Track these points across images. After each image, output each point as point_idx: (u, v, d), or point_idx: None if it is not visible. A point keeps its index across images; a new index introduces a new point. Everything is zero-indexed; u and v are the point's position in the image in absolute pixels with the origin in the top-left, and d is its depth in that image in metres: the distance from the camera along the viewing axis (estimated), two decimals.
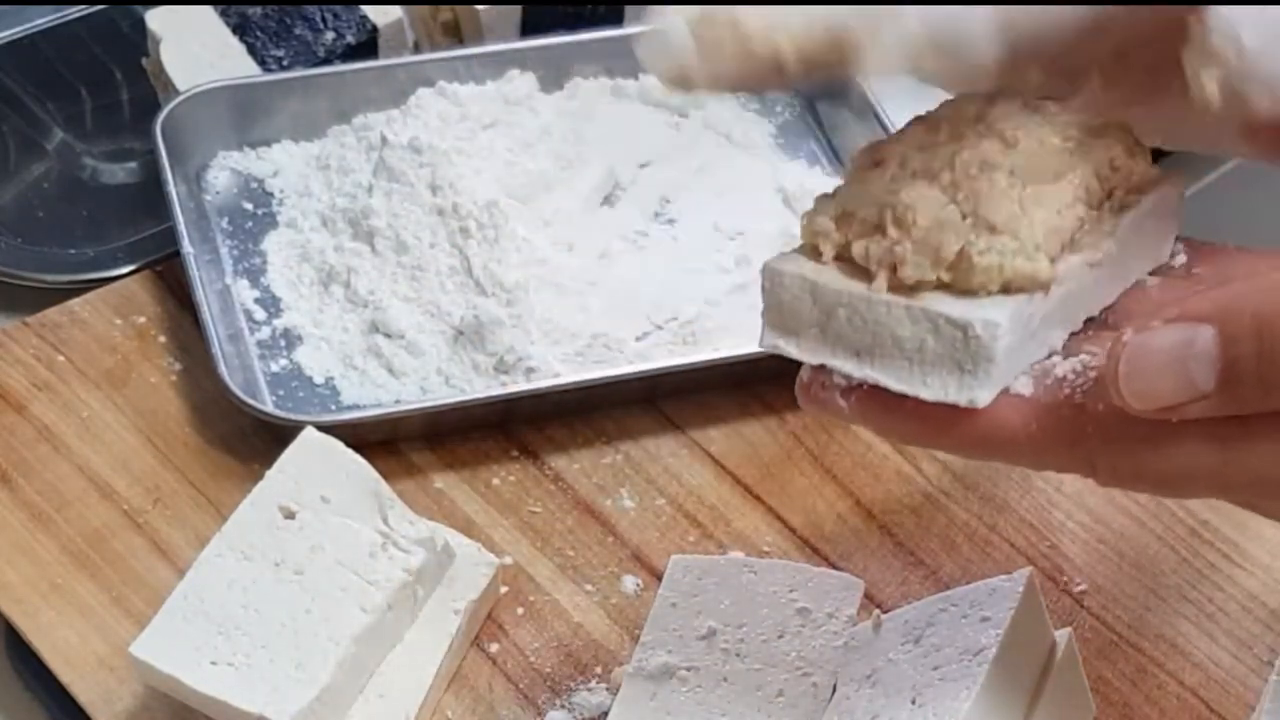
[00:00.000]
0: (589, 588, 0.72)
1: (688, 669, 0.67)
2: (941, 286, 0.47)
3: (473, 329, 0.79)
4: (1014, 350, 0.47)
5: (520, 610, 0.71)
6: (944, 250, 0.47)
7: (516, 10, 0.93)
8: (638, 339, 0.81)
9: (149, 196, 0.85)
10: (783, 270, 0.49)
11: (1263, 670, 0.69)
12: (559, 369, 0.78)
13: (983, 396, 0.47)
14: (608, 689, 0.68)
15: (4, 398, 0.78)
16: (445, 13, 0.93)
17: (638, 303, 0.82)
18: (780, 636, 0.68)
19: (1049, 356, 0.50)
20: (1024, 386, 0.48)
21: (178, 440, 0.77)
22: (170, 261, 0.82)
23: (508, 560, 0.73)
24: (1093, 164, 0.50)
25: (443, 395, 0.77)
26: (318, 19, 0.91)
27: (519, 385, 0.77)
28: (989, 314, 0.47)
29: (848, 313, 0.48)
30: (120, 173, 0.91)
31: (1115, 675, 0.70)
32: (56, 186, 0.90)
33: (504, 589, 0.72)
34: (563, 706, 0.68)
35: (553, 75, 0.91)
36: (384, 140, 0.83)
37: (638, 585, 0.72)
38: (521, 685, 0.69)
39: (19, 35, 0.94)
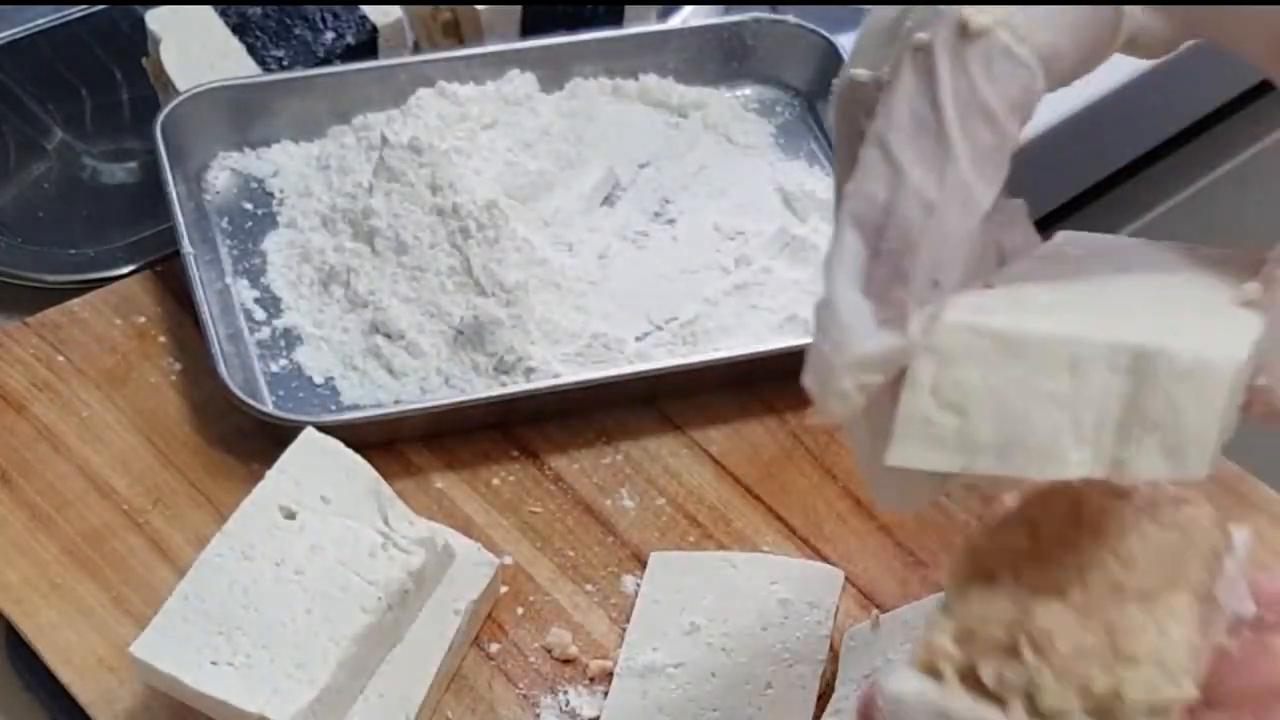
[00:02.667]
0: (589, 588, 0.72)
1: (675, 665, 0.67)
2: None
3: (473, 329, 0.79)
4: None
5: (520, 610, 0.71)
6: (1094, 685, 0.42)
7: (516, 10, 0.93)
8: (638, 339, 0.81)
9: (149, 196, 0.85)
10: (906, 694, 0.44)
11: None
12: (559, 369, 0.78)
13: None
14: (605, 690, 0.68)
15: (4, 398, 0.78)
16: (445, 13, 0.93)
17: (638, 303, 0.82)
18: (764, 629, 0.68)
19: None
20: None
21: (178, 440, 0.77)
22: (170, 261, 0.82)
23: (508, 560, 0.73)
24: (1199, 555, 0.46)
25: (443, 395, 0.77)
26: (318, 19, 0.91)
27: (519, 385, 0.77)
28: None
29: None
30: (120, 173, 0.91)
31: None
32: (56, 186, 0.90)
33: (504, 589, 0.72)
34: (563, 706, 0.68)
35: (553, 75, 0.91)
36: (384, 140, 0.83)
37: (638, 585, 0.72)
38: (521, 685, 0.69)
39: (19, 35, 0.94)
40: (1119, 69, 1.08)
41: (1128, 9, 0.45)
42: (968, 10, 0.42)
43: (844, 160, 0.45)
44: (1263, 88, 1.17)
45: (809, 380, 0.43)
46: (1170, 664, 0.43)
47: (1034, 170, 1.10)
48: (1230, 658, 0.47)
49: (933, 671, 0.44)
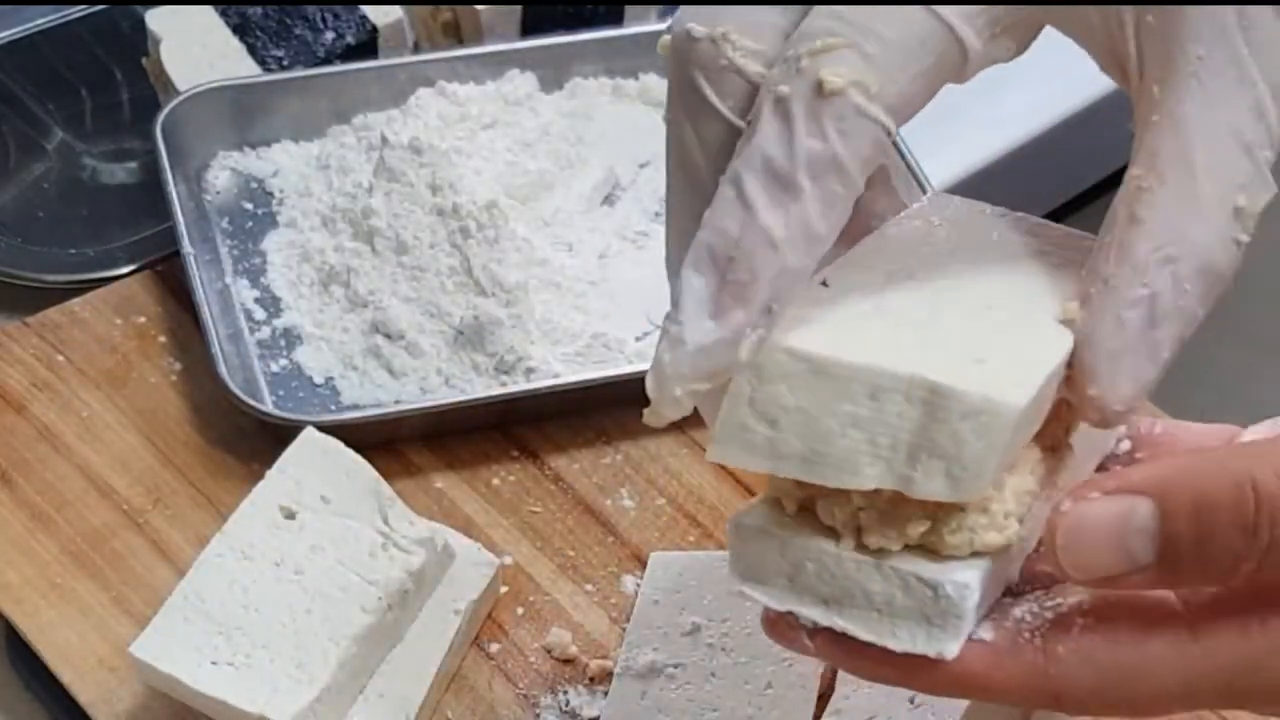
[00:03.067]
0: (589, 588, 0.72)
1: (675, 666, 0.67)
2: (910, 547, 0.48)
3: (473, 329, 0.79)
4: (981, 604, 0.48)
5: (520, 610, 0.71)
6: (910, 529, 0.47)
7: (516, 10, 0.93)
8: (638, 339, 0.81)
9: (149, 196, 0.85)
10: (748, 524, 0.49)
11: None
12: (559, 369, 0.78)
13: (951, 649, 0.47)
14: (605, 690, 0.68)
15: (4, 398, 0.78)
16: (445, 13, 0.93)
17: (638, 303, 0.82)
18: None
19: (1005, 595, 0.50)
20: (985, 631, 0.48)
21: (178, 440, 0.77)
22: (170, 261, 0.82)
23: (508, 560, 0.73)
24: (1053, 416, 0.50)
25: (443, 395, 0.77)
26: (318, 19, 0.91)
27: (519, 385, 0.77)
28: (959, 575, 0.47)
29: (815, 567, 0.48)
30: (120, 173, 0.91)
31: None
32: (56, 186, 0.90)
33: (504, 589, 0.72)
34: (563, 706, 0.68)
35: (553, 75, 0.91)
36: (384, 140, 0.83)
37: (638, 585, 0.71)
38: (521, 685, 0.69)
39: (19, 35, 0.94)
40: (1094, 81, 1.08)
41: (970, 44, 0.49)
42: (824, 71, 0.46)
43: (677, 110, 0.49)
44: None
45: (649, 384, 0.49)
46: (997, 511, 0.47)
47: (1035, 170, 1.10)
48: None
49: (776, 505, 0.49)
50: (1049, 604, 0.48)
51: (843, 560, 0.48)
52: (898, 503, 0.47)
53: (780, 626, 0.50)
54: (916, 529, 0.47)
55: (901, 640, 0.47)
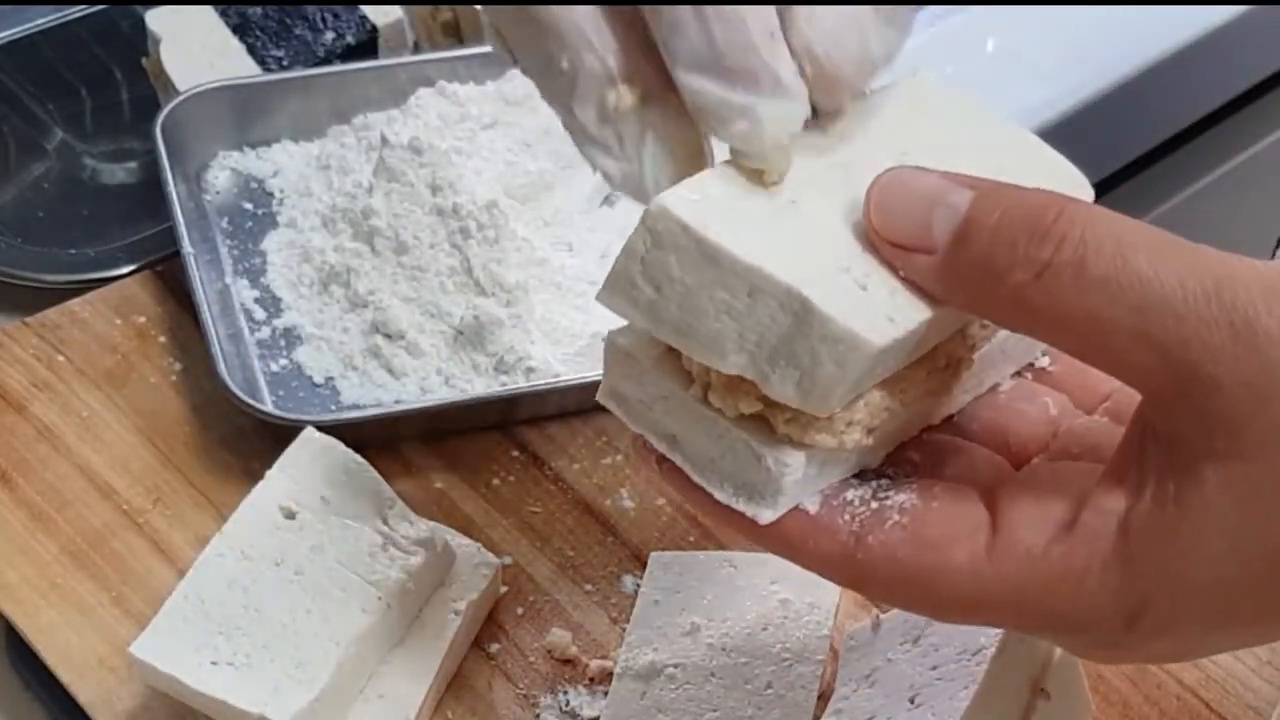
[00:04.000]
0: (589, 588, 0.72)
1: (675, 666, 0.67)
2: None
3: (473, 329, 0.79)
4: (806, 482, 0.49)
5: (520, 610, 0.71)
6: (744, 405, 0.49)
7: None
8: None
9: (149, 196, 0.85)
10: (619, 345, 0.51)
11: (1263, 670, 0.69)
12: (559, 369, 0.78)
13: (766, 515, 0.49)
14: (605, 690, 0.68)
15: (4, 398, 0.78)
16: (445, 13, 0.93)
17: None
18: (764, 629, 0.68)
19: (854, 476, 0.51)
20: (812, 504, 0.50)
21: (178, 440, 0.77)
22: (170, 261, 0.82)
23: (508, 560, 0.73)
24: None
25: (443, 395, 0.77)
26: (318, 19, 0.91)
27: (519, 385, 0.77)
28: (784, 454, 0.49)
29: (666, 404, 0.50)
30: (120, 173, 0.91)
31: (1114, 674, 0.70)
32: (56, 186, 0.90)
33: (504, 589, 0.72)
34: (563, 707, 0.68)
35: None
36: (384, 140, 0.83)
37: (637, 585, 0.71)
38: (521, 685, 0.69)
39: (19, 35, 0.94)
40: (1109, 70, 1.08)
41: None
42: None
43: None
44: (1258, 90, 1.17)
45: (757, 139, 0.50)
46: (837, 419, 0.49)
47: None
48: (996, 397, 0.55)
49: (646, 336, 0.50)
50: (880, 494, 0.50)
51: (690, 407, 0.50)
52: (746, 380, 0.48)
53: (639, 444, 0.52)
54: (750, 407, 0.48)
55: (725, 494, 0.50)
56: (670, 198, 0.48)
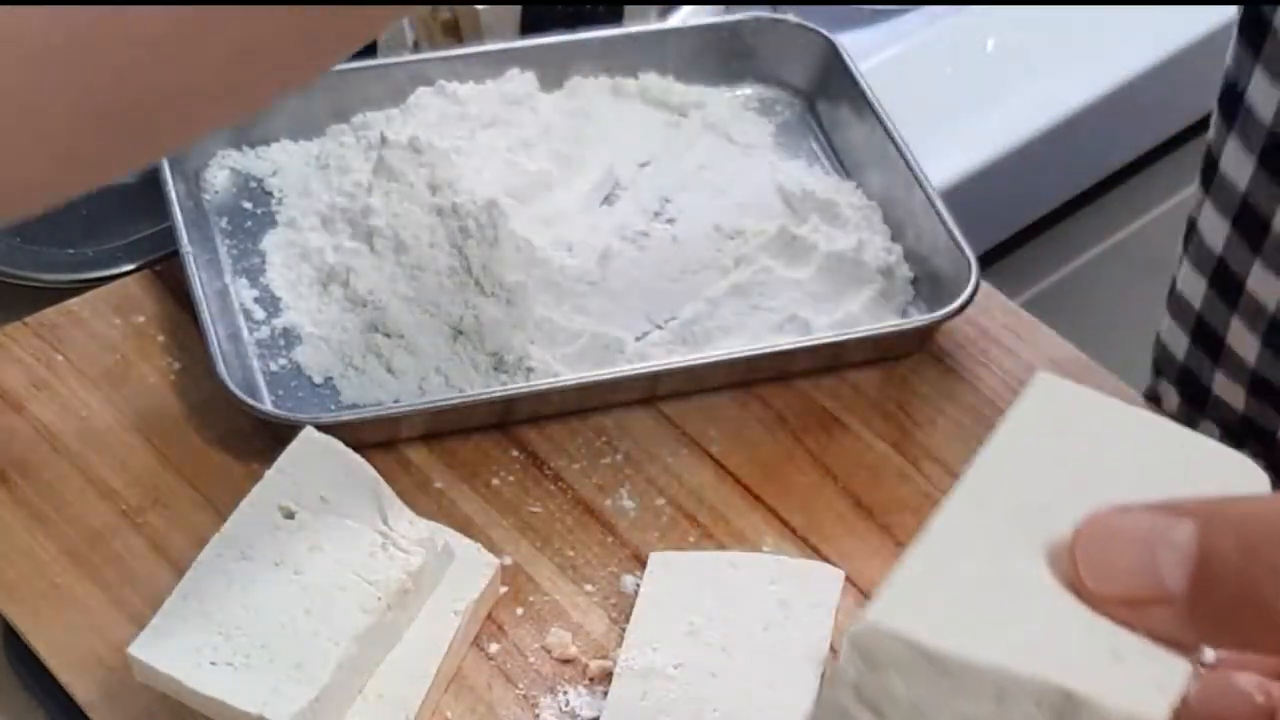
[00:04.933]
0: (589, 588, 0.72)
1: (675, 666, 0.67)
2: None
3: (472, 329, 0.79)
4: None
5: (520, 610, 0.71)
6: None
7: (516, 9, 0.93)
8: (638, 339, 0.81)
9: (148, 196, 0.85)
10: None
11: None
12: (559, 369, 0.78)
13: None
14: (605, 690, 0.68)
15: (3, 397, 0.78)
16: (445, 12, 0.93)
17: (638, 303, 0.82)
18: (764, 629, 0.68)
19: None
20: None
21: (177, 440, 0.76)
22: (169, 261, 0.82)
23: (508, 560, 0.73)
24: None
25: (442, 395, 0.77)
26: None
27: (519, 385, 0.77)
28: None
29: None
30: None
31: None
32: None
33: (504, 589, 0.72)
34: (562, 707, 0.68)
35: (552, 75, 0.91)
36: (383, 139, 0.83)
37: (637, 585, 0.71)
38: (521, 686, 0.69)
39: None
40: (1109, 70, 1.08)
41: None
42: None
43: None
44: None
45: None
46: None
47: (1035, 169, 1.09)
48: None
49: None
50: None
51: None
52: None
53: None
54: None
55: None
56: (880, 611, 0.42)
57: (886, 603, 0.43)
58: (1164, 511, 0.42)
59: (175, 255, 0.80)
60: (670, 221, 0.87)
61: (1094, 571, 0.42)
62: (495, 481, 0.76)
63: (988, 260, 1.03)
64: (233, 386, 0.74)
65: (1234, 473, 0.47)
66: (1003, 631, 0.42)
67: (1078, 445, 0.47)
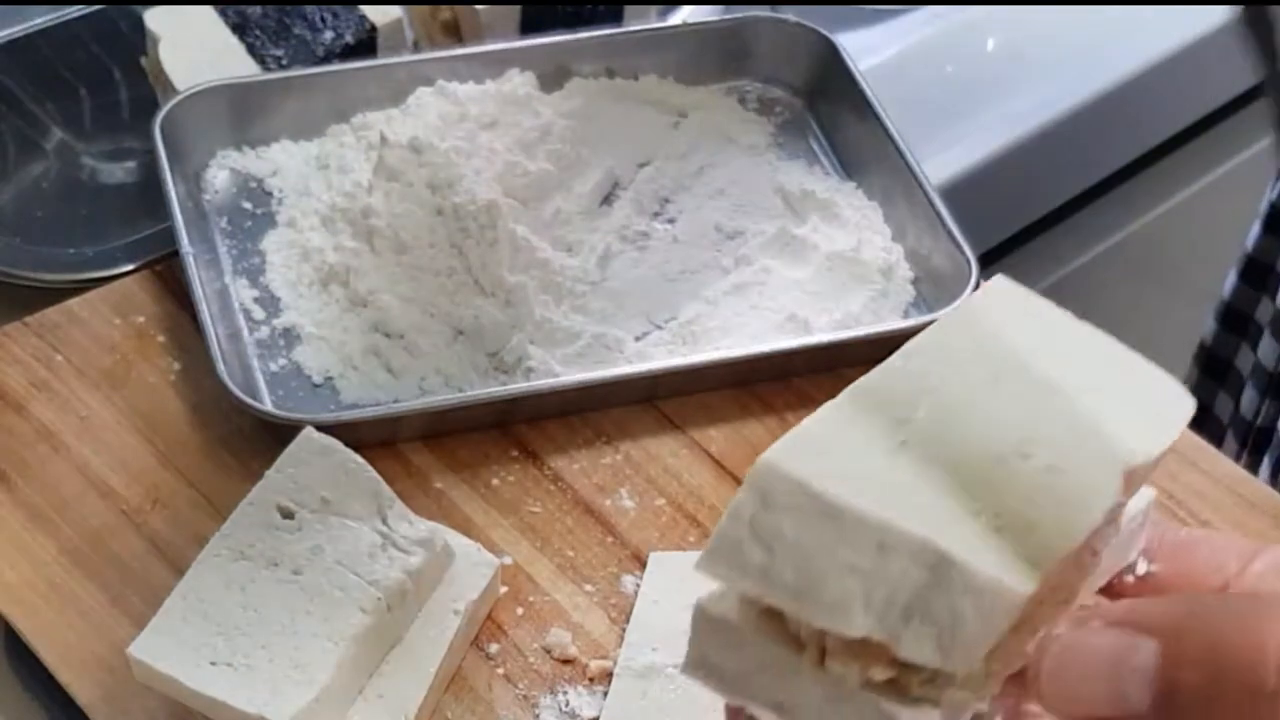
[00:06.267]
0: (589, 588, 0.72)
1: (675, 666, 0.67)
2: None
3: (472, 329, 0.79)
4: None
5: (520, 610, 0.71)
6: (876, 671, 0.45)
7: (516, 10, 0.93)
8: (637, 339, 0.81)
9: (148, 196, 0.85)
10: (712, 614, 0.48)
11: None
12: (559, 369, 0.78)
13: None
14: (605, 690, 0.68)
15: (3, 397, 0.78)
16: (445, 12, 0.93)
17: (638, 303, 0.82)
18: None
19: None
20: None
21: (177, 440, 0.76)
22: (169, 261, 0.82)
23: (508, 560, 0.73)
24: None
25: (442, 395, 0.77)
26: (317, 18, 0.91)
27: (519, 385, 0.77)
28: (920, 713, 0.45)
29: (772, 672, 0.47)
30: (119, 172, 0.91)
31: None
32: (55, 186, 0.90)
33: (504, 589, 0.72)
34: (562, 707, 0.68)
35: (552, 75, 0.91)
36: (383, 140, 0.83)
37: (637, 585, 0.71)
38: (521, 685, 0.69)
39: (18, 35, 0.94)
40: (1109, 70, 1.08)
41: None
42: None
43: None
44: (1244, 99, 1.17)
45: None
46: (976, 671, 0.44)
47: (1036, 168, 1.09)
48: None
49: (744, 600, 0.47)
50: None
51: (802, 672, 0.46)
52: (871, 640, 0.44)
53: (739, 716, 0.48)
54: (883, 673, 0.45)
55: None
56: (778, 453, 0.45)
57: (787, 446, 0.45)
58: (1128, 631, 0.42)
59: (175, 255, 0.80)
60: (670, 221, 0.87)
61: (1060, 694, 0.43)
62: (495, 481, 0.76)
63: (987, 260, 1.03)
64: (233, 386, 0.74)
65: (1164, 396, 0.49)
66: (894, 490, 0.44)
67: (1015, 341, 0.48)
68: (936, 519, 0.44)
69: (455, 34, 0.94)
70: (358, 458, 0.69)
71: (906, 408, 0.47)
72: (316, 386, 0.79)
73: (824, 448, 0.46)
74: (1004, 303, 0.51)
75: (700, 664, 0.49)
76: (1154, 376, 0.49)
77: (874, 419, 0.47)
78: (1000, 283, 0.51)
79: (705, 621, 0.48)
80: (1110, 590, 0.52)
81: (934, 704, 0.45)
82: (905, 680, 0.45)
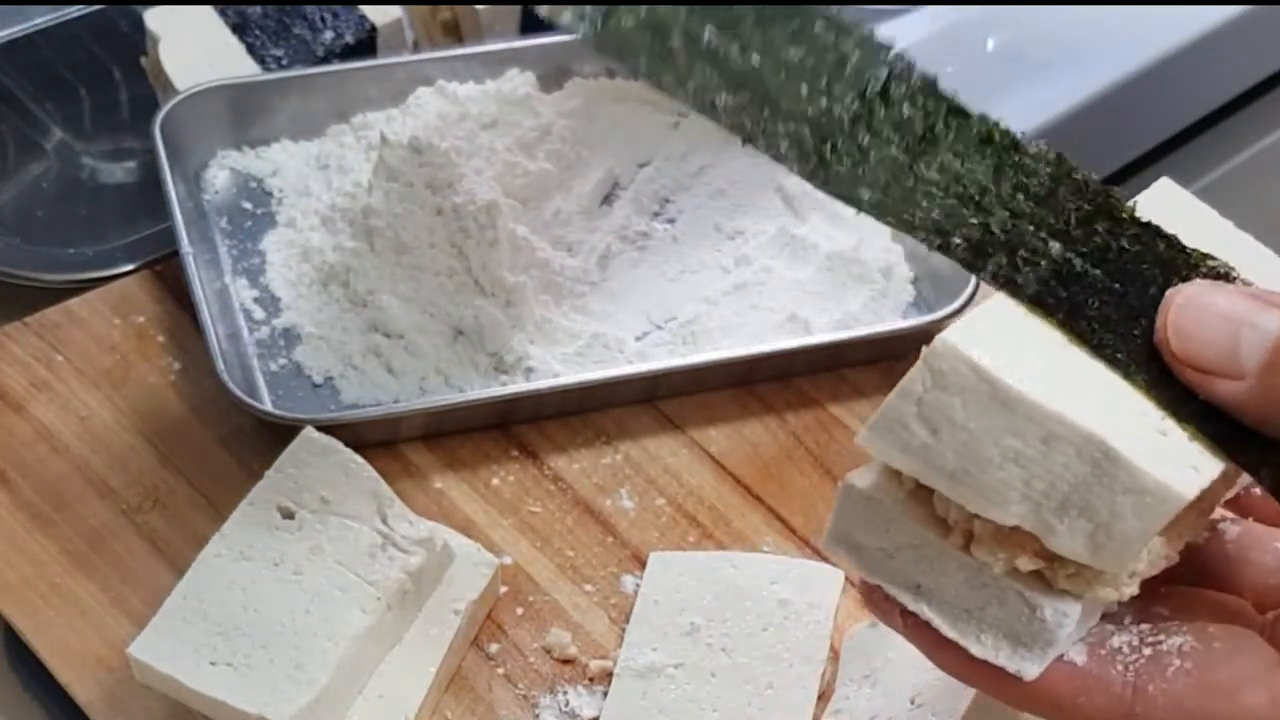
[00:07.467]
0: (589, 588, 0.72)
1: (675, 666, 0.67)
2: None
3: (472, 329, 0.78)
4: (1076, 632, 0.46)
5: (520, 610, 0.71)
6: (1023, 561, 0.45)
7: (516, 10, 0.93)
8: (638, 339, 0.81)
9: (148, 196, 0.85)
10: (859, 488, 0.47)
11: None
12: (559, 369, 0.78)
13: (1032, 670, 0.46)
14: (605, 690, 0.68)
15: (3, 397, 0.78)
16: (445, 12, 0.93)
17: (638, 303, 0.82)
18: (764, 629, 0.68)
19: (1107, 620, 0.48)
20: (1078, 654, 0.46)
21: (176, 440, 0.76)
22: (169, 261, 0.82)
23: (508, 560, 0.73)
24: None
25: (442, 395, 0.77)
26: (317, 18, 0.91)
27: (519, 385, 0.77)
28: (1061, 603, 0.45)
29: (915, 552, 0.47)
30: (119, 172, 0.91)
31: None
32: (55, 186, 0.90)
33: (504, 589, 0.72)
34: (562, 707, 0.68)
35: (553, 75, 0.91)
36: (383, 140, 0.83)
37: (637, 585, 0.71)
38: (521, 685, 0.69)
39: (18, 35, 0.94)
40: (1110, 70, 1.08)
41: None
42: None
43: None
44: (1244, 99, 1.17)
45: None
46: (1120, 570, 0.45)
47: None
48: (1221, 537, 0.51)
49: (893, 477, 0.47)
50: (1150, 639, 0.47)
51: (945, 555, 0.46)
52: (1020, 530, 0.45)
53: (876, 597, 0.49)
54: (1030, 564, 0.45)
55: (985, 648, 0.46)
56: (957, 335, 0.45)
57: (965, 330, 0.45)
58: (1256, 296, 0.44)
59: (175, 255, 0.80)
60: (670, 221, 0.87)
61: (1179, 333, 0.44)
62: (495, 481, 0.76)
63: None
64: (233, 386, 0.74)
65: None
66: (1063, 385, 0.44)
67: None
68: (1105, 416, 0.44)
69: (455, 34, 0.94)
70: (358, 458, 0.69)
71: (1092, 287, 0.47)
72: (316, 386, 0.78)
73: (1001, 336, 0.45)
74: (1166, 201, 0.51)
75: (842, 539, 0.48)
76: None
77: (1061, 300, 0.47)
78: (1164, 184, 0.52)
79: (851, 497, 0.48)
80: (1237, 503, 0.52)
81: (1076, 598, 0.45)
82: (1050, 573, 0.45)
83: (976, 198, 0.47)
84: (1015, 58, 1.08)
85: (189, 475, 0.75)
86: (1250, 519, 0.53)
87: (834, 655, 0.68)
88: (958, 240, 0.47)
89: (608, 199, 0.88)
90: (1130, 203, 0.49)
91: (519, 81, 0.90)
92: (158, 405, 0.78)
